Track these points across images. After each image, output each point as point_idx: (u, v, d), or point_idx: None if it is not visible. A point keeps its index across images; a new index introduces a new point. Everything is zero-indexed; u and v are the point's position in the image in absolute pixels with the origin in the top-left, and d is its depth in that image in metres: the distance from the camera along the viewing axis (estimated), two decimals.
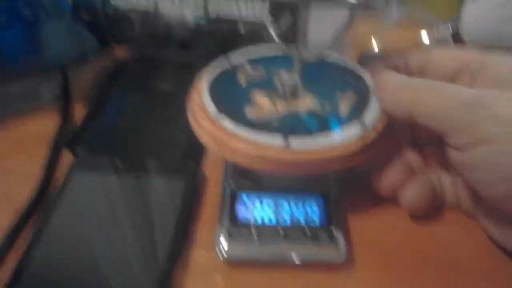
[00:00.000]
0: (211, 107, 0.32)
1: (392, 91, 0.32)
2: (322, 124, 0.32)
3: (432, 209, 0.35)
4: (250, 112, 0.33)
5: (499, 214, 0.31)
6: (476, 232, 0.34)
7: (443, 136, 0.30)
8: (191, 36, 0.51)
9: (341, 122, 0.32)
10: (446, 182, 0.35)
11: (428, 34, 0.54)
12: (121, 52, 0.53)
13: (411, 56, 0.36)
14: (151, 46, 0.53)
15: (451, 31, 0.55)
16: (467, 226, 0.34)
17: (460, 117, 0.28)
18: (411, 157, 0.35)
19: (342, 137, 0.31)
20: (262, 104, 0.34)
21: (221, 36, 0.50)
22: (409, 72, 0.36)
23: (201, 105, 0.33)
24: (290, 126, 0.31)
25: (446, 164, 0.35)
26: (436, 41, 0.53)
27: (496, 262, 0.32)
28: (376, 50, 0.54)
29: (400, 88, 0.32)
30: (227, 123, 0.31)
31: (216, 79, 0.36)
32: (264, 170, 0.31)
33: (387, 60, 0.38)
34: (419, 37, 0.53)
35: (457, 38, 0.54)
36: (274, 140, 0.30)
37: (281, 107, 0.33)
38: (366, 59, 0.51)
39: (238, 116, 0.32)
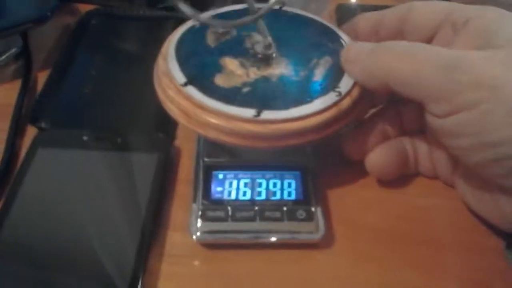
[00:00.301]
0: (178, 75, 0.30)
1: (363, 63, 0.30)
2: (295, 92, 0.30)
3: (400, 175, 0.34)
4: (220, 80, 0.30)
5: (477, 181, 0.30)
6: (455, 204, 0.34)
7: (421, 103, 0.28)
8: None
9: (315, 89, 0.30)
10: (422, 148, 0.34)
11: None
12: (83, 8, 0.50)
13: (390, 11, 0.34)
14: (112, 0, 0.50)
15: None
16: (446, 198, 0.34)
17: (436, 84, 0.26)
18: (386, 120, 0.34)
19: (316, 106, 0.29)
20: (233, 71, 0.31)
21: None
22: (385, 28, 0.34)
23: (168, 73, 0.30)
24: (262, 95, 0.29)
25: (422, 130, 0.34)
26: None
27: (473, 234, 0.32)
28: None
29: (371, 58, 0.30)
30: (196, 93, 0.29)
31: (183, 41, 0.33)
32: (235, 145, 0.29)
33: (364, 17, 0.36)
34: None
35: None
36: (244, 112, 0.28)
37: (253, 74, 0.31)
38: (343, 14, 0.49)
39: (207, 85, 0.29)
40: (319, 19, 0.37)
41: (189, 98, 0.29)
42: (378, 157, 0.33)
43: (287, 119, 0.28)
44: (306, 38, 0.35)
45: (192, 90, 0.29)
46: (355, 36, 0.35)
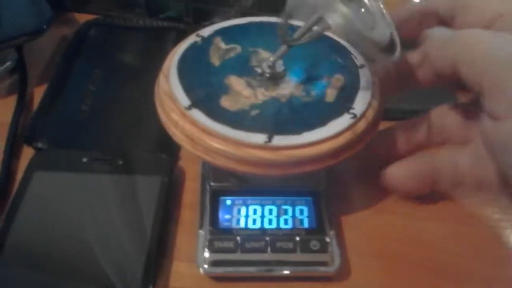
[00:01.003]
0: (182, 96, 0.28)
1: (439, 42, 0.29)
2: (307, 114, 0.28)
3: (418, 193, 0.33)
4: (226, 102, 0.28)
5: None
6: (474, 231, 0.32)
7: (480, 95, 0.27)
8: None
9: (329, 111, 0.28)
10: (463, 161, 0.31)
11: None
12: (81, 18, 0.48)
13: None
14: (114, 9, 0.48)
15: None
16: (466, 224, 0.32)
17: (499, 76, 0.25)
18: (426, 125, 0.32)
19: (331, 130, 0.27)
20: (240, 91, 0.29)
21: None
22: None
23: (171, 94, 0.29)
24: (272, 118, 0.28)
25: (465, 143, 0.31)
26: None
27: (492, 263, 0.30)
28: None
29: (447, 40, 0.29)
30: (201, 117, 0.27)
31: (186, 59, 0.31)
32: (244, 173, 0.27)
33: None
34: None
35: None
36: (254, 137, 0.26)
37: (261, 95, 0.29)
38: None
39: (213, 108, 0.27)
40: (328, 33, 0.35)
41: (194, 123, 0.27)
42: (398, 171, 0.31)
43: (301, 144, 0.26)
44: (315, 54, 0.32)
45: (197, 114, 0.27)
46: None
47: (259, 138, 0.26)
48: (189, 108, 0.27)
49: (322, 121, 0.27)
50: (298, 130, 0.27)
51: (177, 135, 0.28)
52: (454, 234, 0.32)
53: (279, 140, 0.26)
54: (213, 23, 0.35)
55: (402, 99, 0.39)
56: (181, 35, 0.44)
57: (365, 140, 0.29)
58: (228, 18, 0.35)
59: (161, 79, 0.30)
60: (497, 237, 0.32)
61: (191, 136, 0.27)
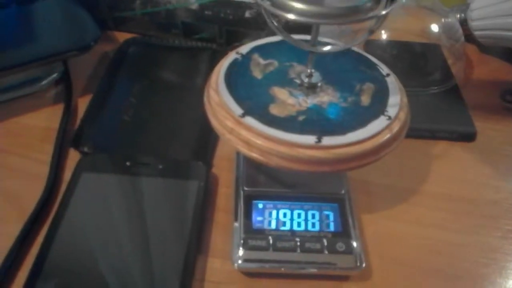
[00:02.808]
0: (234, 106, 0.31)
1: None
2: (348, 118, 0.31)
3: None
4: (274, 109, 0.31)
5: None
6: (492, 242, 0.34)
7: None
8: (195, 19, 0.49)
9: (367, 114, 0.31)
10: None
11: (436, 21, 0.53)
12: (121, 36, 0.51)
13: None
14: (152, 30, 0.51)
15: (459, 19, 0.54)
16: (484, 236, 0.35)
17: None
18: None
19: (371, 130, 0.30)
20: (284, 100, 0.32)
21: (225, 20, 0.49)
22: None
23: (223, 105, 0.31)
24: (318, 122, 0.31)
25: None
26: (444, 29, 0.52)
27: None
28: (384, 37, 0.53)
29: None
30: (255, 123, 0.30)
31: (231, 74, 0.34)
32: (297, 171, 0.30)
33: None
34: (427, 24, 0.52)
35: (464, 26, 0.53)
36: (305, 139, 0.29)
37: (304, 103, 0.32)
38: (372, 49, 0.50)
39: (263, 115, 0.31)
40: (353, 48, 0.38)
41: (249, 128, 0.30)
42: None
43: (347, 144, 0.29)
44: (345, 66, 0.36)
45: (251, 121, 0.30)
46: None
47: (310, 139, 0.29)
48: (243, 116, 0.30)
49: (362, 123, 0.31)
50: (342, 131, 0.30)
51: (233, 140, 0.30)
52: (473, 243, 0.34)
53: (327, 140, 0.29)
54: (244, 44, 0.38)
55: (418, 119, 0.42)
56: (215, 55, 0.48)
57: (399, 138, 0.32)
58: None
59: (210, 92, 0.33)
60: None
61: (247, 141, 0.30)
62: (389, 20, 0.53)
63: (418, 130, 0.42)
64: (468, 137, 0.42)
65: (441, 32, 0.52)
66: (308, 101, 0.32)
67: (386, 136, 0.30)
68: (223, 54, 0.48)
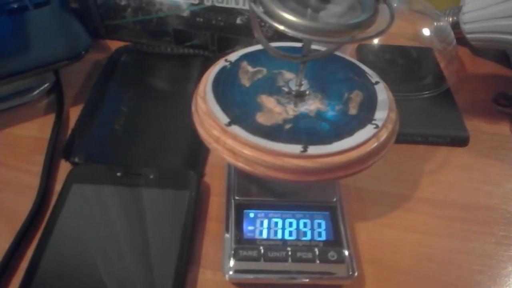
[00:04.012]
0: (221, 115, 0.31)
1: None
2: (335, 126, 0.31)
3: None
4: (261, 118, 0.31)
5: None
6: (487, 249, 0.34)
7: None
8: (186, 26, 0.49)
9: (354, 122, 0.31)
10: None
11: (428, 25, 0.53)
12: (113, 44, 0.51)
13: None
14: (144, 37, 0.51)
15: (450, 23, 0.54)
16: (479, 242, 0.35)
17: None
18: None
19: (358, 139, 0.30)
20: (272, 108, 0.32)
21: (217, 27, 0.49)
22: None
23: (210, 113, 0.31)
24: (304, 131, 0.30)
25: None
26: (434, 32, 0.52)
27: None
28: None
29: None
30: (241, 132, 0.30)
31: (219, 81, 0.34)
32: (282, 180, 0.29)
33: None
34: (419, 27, 0.52)
35: (456, 29, 0.53)
36: (291, 148, 0.29)
37: (292, 111, 0.32)
38: (364, 54, 0.50)
39: (250, 123, 0.30)
40: (342, 55, 0.38)
41: (234, 137, 0.30)
42: None
43: (333, 153, 0.29)
44: (334, 73, 0.36)
45: (237, 129, 0.30)
46: None
47: (295, 148, 0.29)
48: (229, 124, 0.30)
49: (349, 132, 0.30)
50: (329, 140, 0.30)
51: (219, 149, 0.30)
52: (468, 250, 0.34)
53: (313, 149, 0.29)
54: (235, 51, 0.38)
55: (410, 124, 0.42)
56: (206, 62, 0.48)
57: (387, 146, 0.31)
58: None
59: (198, 100, 0.33)
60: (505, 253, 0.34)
61: (232, 150, 0.29)
62: (380, 25, 0.53)
63: (410, 135, 0.42)
64: (461, 141, 0.42)
65: (433, 35, 0.52)
66: (295, 109, 0.32)
67: (373, 145, 0.30)
68: (215, 61, 0.48)
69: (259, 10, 0.28)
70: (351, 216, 0.35)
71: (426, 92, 0.46)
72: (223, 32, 0.49)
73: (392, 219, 0.36)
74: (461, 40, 0.53)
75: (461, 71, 0.52)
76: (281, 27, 0.26)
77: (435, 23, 0.53)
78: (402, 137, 0.42)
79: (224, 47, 0.50)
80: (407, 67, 0.49)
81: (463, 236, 0.35)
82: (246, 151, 0.29)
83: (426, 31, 0.52)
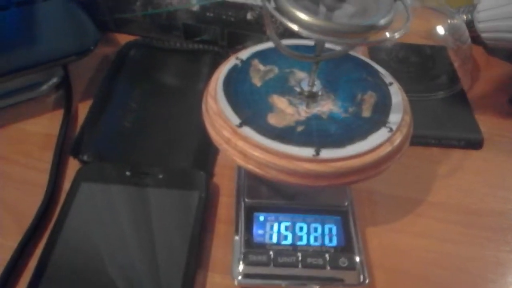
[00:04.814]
0: (232, 115, 0.30)
1: None
2: (348, 129, 0.30)
3: None
4: (273, 119, 0.30)
5: None
6: (495, 256, 0.34)
7: None
8: (196, 20, 0.49)
9: (368, 125, 0.30)
10: None
11: (442, 22, 0.52)
12: (122, 38, 0.51)
13: None
14: (153, 31, 0.51)
15: (464, 21, 0.53)
16: (485, 246, 0.34)
17: None
18: None
19: (372, 143, 0.29)
20: (283, 109, 0.31)
21: (227, 22, 0.48)
22: None
23: (220, 114, 0.30)
24: (317, 133, 0.30)
25: None
26: (449, 30, 0.51)
27: None
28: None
29: None
30: (252, 133, 0.29)
31: (230, 80, 0.33)
32: (293, 184, 0.29)
33: None
34: (433, 25, 0.51)
35: (470, 27, 0.52)
36: (303, 151, 0.28)
37: (304, 113, 0.31)
38: (376, 53, 0.49)
39: (261, 125, 0.30)
40: (355, 53, 0.37)
41: (245, 139, 0.29)
42: None
43: (346, 157, 0.28)
44: (347, 73, 0.35)
45: (248, 131, 0.29)
46: None
47: (308, 151, 0.28)
48: (240, 125, 0.29)
49: (362, 135, 0.30)
50: (342, 144, 0.29)
51: (230, 151, 0.30)
52: (480, 257, 0.34)
53: (326, 153, 0.28)
54: (246, 46, 0.37)
55: (423, 126, 0.41)
56: (216, 58, 0.47)
57: (401, 151, 0.31)
58: (261, 42, 0.37)
59: (208, 99, 0.32)
60: None
61: (243, 152, 0.29)
62: (396, 24, 0.52)
63: (424, 137, 0.41)
64: (475, 144, 0.42)
65: (447, 33, 0.51)
66: (307, 111, 0.32)
67: (387, 149, 0.29)
68: (225, 56, 0.48)
69: (271, 6, 0.27)
70: (362, 220, 0.34)
71: (439, 93, 0.45)
72: (233, 28, 0.48)
73: (403, 224, 0.35)
74: (475, 38, 0.52)
75: (474, 71, 0.51)
76: (295, 27, 0.26)
77: (449, 21, 0.52)
78: (415, 139, 0.41)
79: (234, 43, 0.49)
80: (420, 66, 0.49)
81: (477, 242, 0.34)
82: (257, 154, 0.29)
83: (440, 29, 0.51)
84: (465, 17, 0.53)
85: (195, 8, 0.47)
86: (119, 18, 0.50)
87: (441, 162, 0.40)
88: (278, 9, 0.27)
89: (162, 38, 0.50)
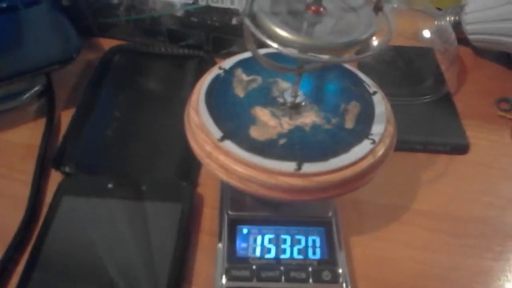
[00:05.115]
0: (213, 129, 0.30)
1: None
2: (331, 142, 0.30)
3: None
4: (255, 132, 0.30)
5: None
6: (480, 266, 0.34)
7: None
8: (180, 26, 0.48)
9: (350, 137, 0.30)
10: None
11: (429, 24, 0.51)
12: (106, 43, 0.50)
13: None
14: (138, 36, 0.50)
15: (452, 23, 0.53)
16: (468, 254, 0.34)
17: None
18: None
19: (354, 155, 0.29)
20: (266, 122, 0.31)
21: (212, 27, 0.47)
22: None
23: (202, 127, 0.30)
24: (299, 146, 0.29)
25: None
26: (436, 31, 0.51)
27: None
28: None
29: None
30: (233, 148, 0.28)
31: (212, 91, 0.33)
32: (276, 199, 0.29)
33: None
34: (420, 27, 0.51)
35: (457, 28, 0.52)
36: (285, 165, 0.28)
37: (286, 125, 0.31)
38: None
39: (243, 138, 0.29)
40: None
41: (227, 153, 0.29)
42: None
43: (328, 171, 0.28)
44: (331, 83, 0.35)
45: (229, 145, 0.29)
46: None
47: (289, 166, 0.28)
48: (222, 139, 0.29)
49: (345, 148, 0.29)
50: (324, 157, 0.28)
51: (211, 165, 0.29)
52: (464, 266, 0.33)
53: (307, 167, 0.28)
54: (231, 51, 0.36)
55: (408, 131, 0.41)
56: (201, 64, 0.47)
57: (383, 162, 0.30)
58: (246, 48, 0.37)
59: (190, 112, 0.31)
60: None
61: (225, 166, 0.28)
62: (380, 24, 0.52)
63: (409, 142, 0.41)
64: (460, 149, 0.42)
65: (434, 35, 0.51)
66: (290, 123, 0.31)
67: (370, 161, 0.29)
68: (211, 61, 0.47)
69: (247, 21, 0.26)
70: (347, 229, 0.34)
71: (426, 97, 0.45)
72: (218, 33, 0.48)
73: (388, 232, 0.35)
74: (463, 40, 0.52)
75: (462, 73, 0.51)
76: (274, 44, 0.25)
77: (436, 22, 0.51)
78: (400, 145, 0.40)
79: (220, 48, 0.49)
80: (407, 69, 0.48)
81: (460, 251, 0.34)
82: (239, 168, 0.28)
83: (426, 31, 0.50)
84: (452, 19, 0.53)
85: (179, 13, 0.47)
86: (103, 23, 0.50)
87: (426, 167, 0.40)
88: (257, 24, 0.26)
89: (147, 42, 0.50)
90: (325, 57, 0.27)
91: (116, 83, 0.45)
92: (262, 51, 0.34)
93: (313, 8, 0.27)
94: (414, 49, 0.50)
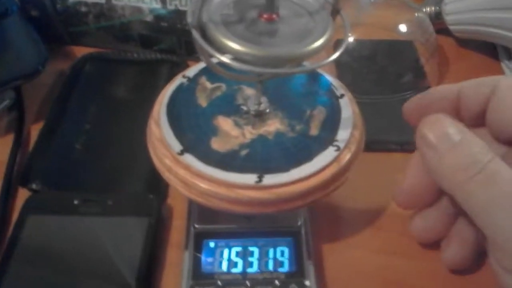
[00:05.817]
0: (173, 142, 0.29)
1: (444, 159, 0.26)
2: (293, 151, 0.29)
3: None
4: (216, 144, 0.29)
5: None
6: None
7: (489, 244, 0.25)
8: (151, 31, 0.47)
9: (314, 145, 0.29)
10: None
11: (408, 15, 0.50)
12: (78, 51, 0.49)
13: (471, 91, 0.31)
14: (110, 43, 0.49)
15: (433, 13, 0.51)
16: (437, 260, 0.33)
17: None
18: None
19: (317, 164, 0.28)
20: (228, 131, 0.30)
21: (183, 31, 0.46)
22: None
23: (162, 140, 0.29)
24: (261, 158, 0.28)
25: None
26: (415, 23, 0.50)
27: None
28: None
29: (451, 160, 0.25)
30: (193, 161, 0.28)
31: (174, 102, 0.32)
32: (237, 212, 0.28)
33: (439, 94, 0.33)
34: (399, 19, 0.49)
35: (438, 20, 0.51)
36: (245, 178, 0.27)
37: (249, 134, 0.30)
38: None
39: (204, 151, 0.28)
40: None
41: (187, 167, 0.28)
42: (451, 254, 0.32)
43: (290, 182, 0.27)
44: (296, 87, 0.33)
45: (189, 159, 0.28)
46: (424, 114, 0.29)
47: (250, 178, 0.27)
48: (181, 153, 0.28)
49: (308, 156, 0.28)
50: (286, 168, 0.27)
51: (172, 180, 0.28)
52: (438, 274, 0.32)
53: (268, 179, 0.27)
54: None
55: (385, 131, 0.40)
56: (174, 68, 0.46)
57: (349, 170, 0.29)
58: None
59: (152, 124, 0.30)
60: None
61: (185, 181, 0.28)
62: (357, 17, 0.51)
63: (384, 142, 0.40)
64: None
65: (415, 27, 0.49)
66: (253, 132, 0.30)
67: (334, 169, 0.28)
68: (184, 65, 0.46)
69: (196, 34, 0.25)
70: (319, 237, 0.33)
71: (405, 93, 0.44)
72: (190, 36, 0.46)
73: (362, 239, 0.34)
74: (445, 30, 0.51)
75: (443, 65, 0.49)
76: (225, 59, 0.24)
77: (416, 14, 0.50)
78: (376, 145, 0.40)
79: (193, 51, 0.47)
80: (386, 64, 0.47)
81: (434, 257, 0.33)
82: (199, 183, 0.27)
83: (406, 23, 0.49)
84: (433, 9, 0.51)
85: (149, 18, 0.46)
86: (74, 32, 0.49)
87: (403, 168, 0.39)
88: (207, 35, 0.25)
89: (120, 49, 0.49)
90: (279, 70, 0.26)
91: (86, 93, 0.44)
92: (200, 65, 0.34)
93: (265, 16, 0.26)
94: (394, 43, 0.49)
